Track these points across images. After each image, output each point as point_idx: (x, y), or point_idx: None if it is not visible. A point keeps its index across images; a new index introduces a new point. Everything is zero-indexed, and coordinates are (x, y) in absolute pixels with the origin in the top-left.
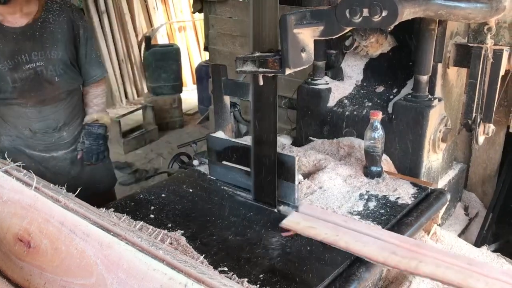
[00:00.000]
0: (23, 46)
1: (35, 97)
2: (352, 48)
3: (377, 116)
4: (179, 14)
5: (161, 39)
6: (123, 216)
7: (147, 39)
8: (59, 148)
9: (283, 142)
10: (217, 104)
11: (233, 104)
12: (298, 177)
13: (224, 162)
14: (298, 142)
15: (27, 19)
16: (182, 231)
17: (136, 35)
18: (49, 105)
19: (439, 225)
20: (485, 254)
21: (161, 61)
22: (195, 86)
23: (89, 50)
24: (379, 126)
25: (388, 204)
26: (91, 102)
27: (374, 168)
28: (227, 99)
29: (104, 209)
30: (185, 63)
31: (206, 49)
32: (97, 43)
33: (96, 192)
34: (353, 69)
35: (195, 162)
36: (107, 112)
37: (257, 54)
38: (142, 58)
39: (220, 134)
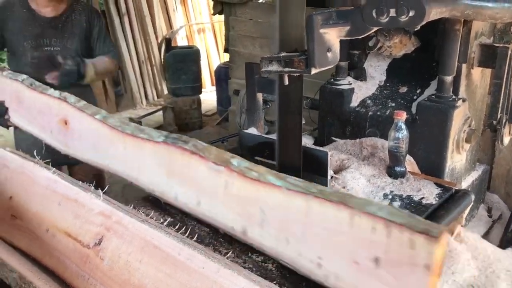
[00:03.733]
0: (47, 32)
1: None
2: (376, 49)
3: (402, 116)
4: (198, 16)
5: (181, 41)
6: (151, 212)
7: (168, 41)
8: None
9: (305, 142)
10: (250, 101)
11: (264, 102)
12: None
13: (256, 158)
14: (320, 142)
15: (55, 13)
16: (208, 229)
17: (156, 37)
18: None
19: (463, 226)
20: (511, 256)
21: (182, 63)
22: (213, 88)
23: (101, 44)
24: (403, 126)
25: (412, 204)
26: (93, 61)
27: (398, 168)
28: (260, 97)
29: (131, 206)
30: (204, 64)
31: (226, 50)
32: (118, 44)
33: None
34: (376, 70)
35: None
36: (96, 71)
37: (283, 54)
38: (163, 59)
39: (252, 131)
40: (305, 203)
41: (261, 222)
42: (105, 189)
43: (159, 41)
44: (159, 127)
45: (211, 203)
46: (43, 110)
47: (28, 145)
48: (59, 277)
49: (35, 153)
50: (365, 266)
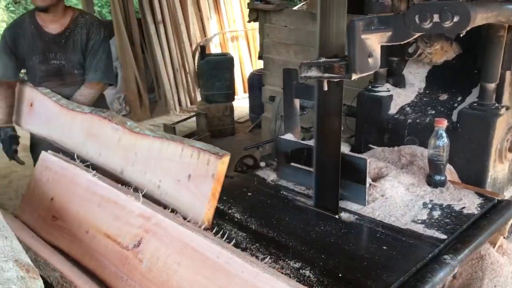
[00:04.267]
0: (52, 47)
1: (57, 81)
2: (416, 55)
3: (442, 124)
4: (232, 24)
5: (214, 48)
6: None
7: (202, 48)
8: None
9: (342, 149)
10: (287, 107)
11: (301, 108)
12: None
13: (292, 164)
14: (357, 149)
15: (60, 29)
16: (245, 234)
17: (191, 44)
18: (68, 88)
19: (505, 238)
20: None
21: (215, 70)
22: (245, 95)
23: (91, 58)
24: (444, 134)
25: (453, 214)
26: (75, 96)
27: (438, 177)
28: (297, 103)
29: (170, 209)
30: (237, 72)
31: (260, 57)
32: (153, 52)
33: None
34: (416, 77)
35: (262, 164)
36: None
37: (323, 59)
38: (196, 66)
39: (289, 137)
40: (160, 144)
41: (133, 162)
42: (144, 191)
43: (193, 48)
44: (192, 133)
45: (107, 154)
46: (21, 98)
47: (41, 149)
48: (98, 277)
49: (75, 157)
50: (183, 182)
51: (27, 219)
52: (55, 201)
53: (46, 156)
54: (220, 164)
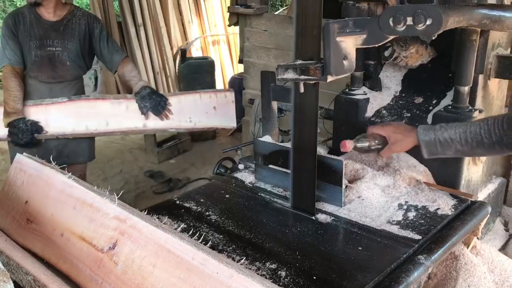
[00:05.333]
0: (50, 34)
1: (48, 72)
2: (392, 59)
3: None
4: (213, 28)
5: (195, 52)
6: (165, 218)
7: (183, 51)
8: None
9: (319, 151)
10: (265, 109)
11: (279, 110)
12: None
13: (270, 166)
14: (335, 152)
15: (57, 18)
16: (221, 236)
17: (171, 48)
18: (58, 83)
19: (478, 238)
20: None
21: (196, 73)
22: None
23: (107, 43)
24: None
25: (427, 215)
26: (129, 77)
27: None
28: (275, 105)
29: (145, 211)
30: (218, 76)
31: (240, 61)
32: (134, 55)
33: (74, 163)
34: (392, 80)
35: (241, 166)
36: (143, 79)
37: (299, 62)
38: (177, 70)
39: (267, 139)
40: (177, 99)
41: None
42: (120, 194)
43: (174, 52)
44: (173, 137)
45: (117, 121)
46: None
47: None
48: (73, 281)
49: (51, 158)
50: (211, 112)
51: (0, 222)
52: (29, 204)
53: (20, 158)
54: (233, 95)
